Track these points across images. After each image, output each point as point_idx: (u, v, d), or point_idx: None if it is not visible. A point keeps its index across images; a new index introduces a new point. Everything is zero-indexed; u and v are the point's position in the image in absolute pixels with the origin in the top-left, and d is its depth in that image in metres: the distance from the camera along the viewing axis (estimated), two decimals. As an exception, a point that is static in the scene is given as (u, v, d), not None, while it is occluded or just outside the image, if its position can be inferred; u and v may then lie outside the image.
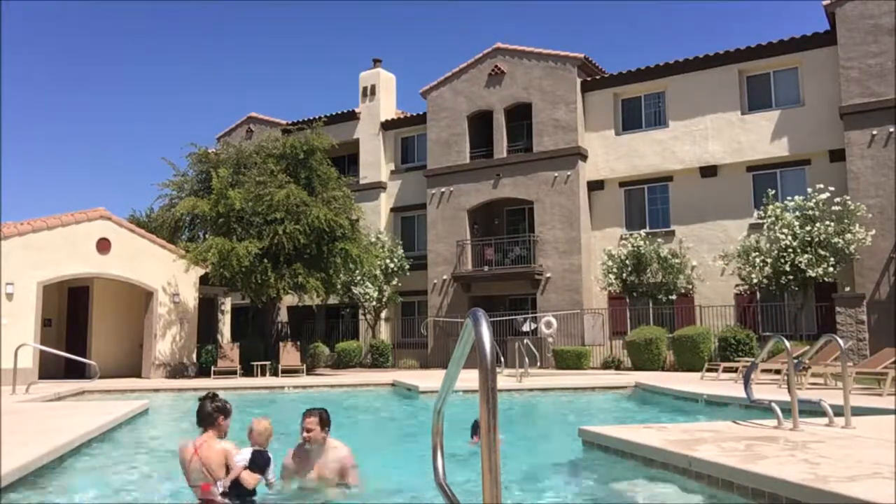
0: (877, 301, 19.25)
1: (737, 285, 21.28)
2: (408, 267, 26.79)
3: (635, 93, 24.57)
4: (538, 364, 20.96)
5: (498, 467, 1.96)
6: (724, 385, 13.98)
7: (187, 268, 20.57)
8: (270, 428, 5.18)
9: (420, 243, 28.08)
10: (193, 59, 62.78)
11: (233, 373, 20.19)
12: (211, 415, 4.78)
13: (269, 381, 18.85)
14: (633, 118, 24.63)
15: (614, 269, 21.94)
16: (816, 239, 18.71)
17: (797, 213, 19.34)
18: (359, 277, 24.81)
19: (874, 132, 19.83)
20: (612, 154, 24.52)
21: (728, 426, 7.90)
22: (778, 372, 14.67)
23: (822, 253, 18.69)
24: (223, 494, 4.62)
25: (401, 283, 26.77)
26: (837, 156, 20.90)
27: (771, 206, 19.66)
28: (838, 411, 7.69)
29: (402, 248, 27.36)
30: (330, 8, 60.64)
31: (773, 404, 7.85)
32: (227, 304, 26.34)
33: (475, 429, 8.36)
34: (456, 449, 7.82)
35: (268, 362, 21.10)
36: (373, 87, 29.80)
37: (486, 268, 25.43)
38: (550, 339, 22.87)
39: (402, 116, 29.63)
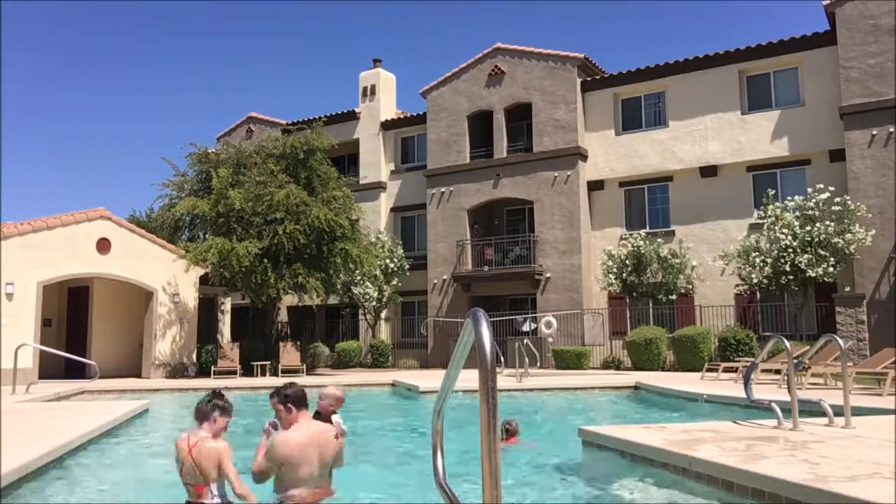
0: (877, 301, 19.25)
1: (737, 285, 21.28)
2: (408, 267, 26.78)
3: (635, 93, 24.56)
4: (538, 364, 20.97)
5: (498, 468, 1.96)
6: (724, 385, 13.99)
7: (187, 268, 20.57)
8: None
9: (420, 243, 28.08)
10: (193, 59, 62.83)
11: (233, 373, 20.19)
12: (207, 412, 4.58)
13: (269, 381, 18.83)
14: (633, 118, 24.62)
15: (614, 269, 21.94)
16: (816, 239, 18.71)
17: (797, 213, 19.33)
18: (359, 277, 24.80)
19: (874, 132, 19.83)
20: (612, 154, 24.51)
21: (728, 426, 7.90)
22: (778, 372, 14.67)
23: (822, 253, 18.68)
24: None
25: (401, 283, 26.76)
26: (837, 156, 20.89)
27: (771, 206, 19.65)
28: (838, 411, 7.70)
29: (402, 248, 27.35)
30: (330, 8, 60.68)
31: (773, 404, 7.86)
32: (227, 304, 26.33)
33: (510, 431, 8.34)
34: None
35: (268, 362, 21.10)
36: (373, 87, 29.80)
37: (486, 268, 25.43)
38: (550, 339, 22.86)
39: (402, 116, 29.63)
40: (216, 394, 4.71)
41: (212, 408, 4.60)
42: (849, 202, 19.04)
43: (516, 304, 25.99)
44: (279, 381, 18.53)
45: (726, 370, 16.61)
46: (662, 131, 23.79)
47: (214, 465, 4.38)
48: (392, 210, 29.23)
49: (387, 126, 29.36)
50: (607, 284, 22.30)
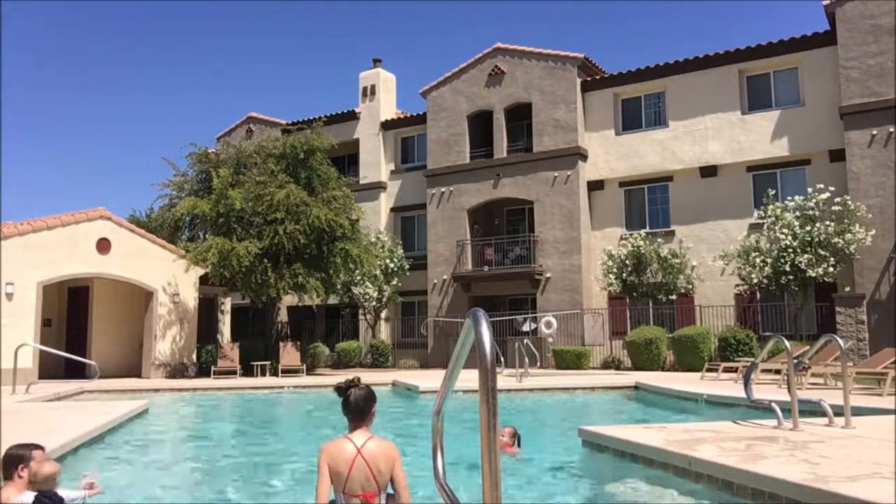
0: (877, 301, 19.25)
1: (737, 285, 21.27)
2: (408, 267, 26.77)
3: (635, 93, 24.55)
4: (538, 364, 20.96)
5: (498, 468, 1.96)
6: (724, 385, 13.99)
7: (187, 268, 20.56)
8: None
9: (420, 243, 28.07)
10: (193, 59, 62.83)
11: (233, 373, 20.19)
12: (368, 404, 3.81)
13: (269, 381, 18.85)
14: (632, 118, 24.62)
15: (614, 269, 21.93)
16: (816, 239, 18.71)
17: (797, 213, 19.33)
18: (359, 277, 24.80)
19: (874, 132, 19.82)
20: (612, 154, 24.51)
21: (728, 426, 7.90)
22: (778, 372, 14.67)
23: (822, 253, 18.68)
24: None
25: (401, 283, 26.76)
26: (837, 156, 20.88)
27: (771, 206, 19.66)
28: (838, 411, 7.70)
29: (402, 248, 27.34)
30: (330, 8, 60.69)
31: (773, 404, 7.86)
32: (227, 304, 26.32)
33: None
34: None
35: (268, 362, 21.09)
36: (373, 87, 29.79)
37: (486, 268, 25.42)
38: (550, 339, 22.86)
39: (402, 116, 29.62)
40: (358, 382, 3.95)
41: (369, 397, 3.85)
42: (849, 202, 19.03)
43: (516, 304, 25.99)
44: (279, 381, 18.58)
45: (726, 370, 16.61)
46: (662, 131, 23.79)
47: (389, 468, 3.68)
48: (392, 210, 29.22)
49: (387, 126, 29.36)
50: (607, 284, 22.30)
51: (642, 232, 23.13)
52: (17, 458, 4.33)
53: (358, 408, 3.77)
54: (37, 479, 4.27)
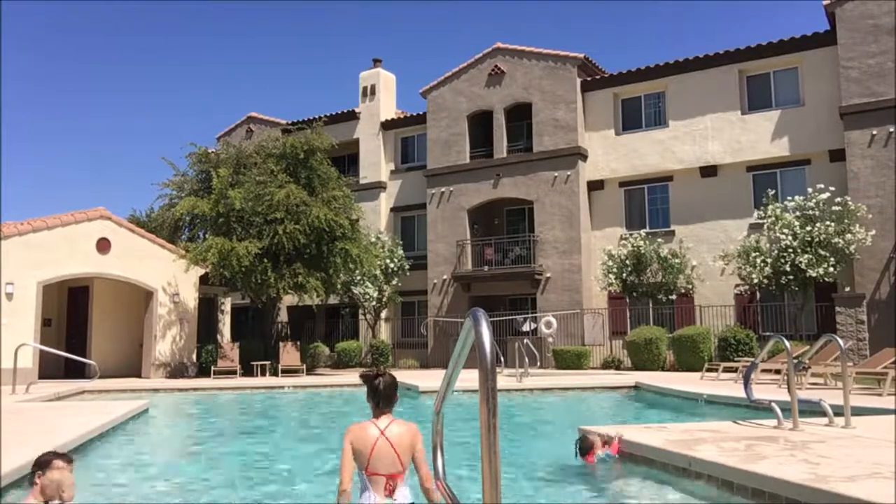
0: (877, 301, 19.25)
1: (737, 285, 21.27)
2: (408, 267, 26.77)
3: (635, 93, 24.55)
4: (538, 364, 20.95)
5: (498, 468, 1.96)
6: (724, 385, 13.99)
7: (187, 268, 20.56)
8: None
9: (420, 243, 28.07)
10: (193, 59, 62.84)
11: (233, 373, 20.19)
12: (394, 391, 3.90)
13: (269, 381, 18.86)
14: (633, 118, 24.61)
15: (614, 269, 21.93)
16: (816, 239, 18.71)
17: (797, 213, 19.34)
18: (359, 277, 24.79)
19: (874, 132, 19.82)
20: (612, 154, 24.51)
21: (728, 426, 7.91)
22: (778, 372, 14.68)
23: (823, 253, 18.68)
24: None
25: (401, 283, 26.76)
26: (837, 156, 20.88)
27: (771, 206, 19.66)
28: (838, 411, 7.70)
29: (402, 248, 27.34)
30: (330, 8, 60.68)
31: (773, 404, 7.86)
32: (227, 304, 26.32)
33: (584, 447, 7.24)
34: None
35: (268, 362, 21.10)
36: (373, 86, 29.80)
37: (486, 268, 25.42)
38: (550, 339, 22.86)
39: (402, 116, 29.62)
40: (384, 372, 3.98)
41: (395, 384, 3.88)
42: (849, 202, 19.03)
43: (516, 304, 25.99)
44: (279, 380, 18.59)
45: (726, 370, 16.61)
46: (662, 131, 23.78)
47: (411, 448, 3.81)
48: (392, 210, 29.22)
49: (387, 126, 29.36)
50: (607, 284, 22.29)
51: (642, 232, 23.12)
52: (37, 465, 4.28)
53: (386, 395, 3.94)
54: (47, 490, 4.20)
